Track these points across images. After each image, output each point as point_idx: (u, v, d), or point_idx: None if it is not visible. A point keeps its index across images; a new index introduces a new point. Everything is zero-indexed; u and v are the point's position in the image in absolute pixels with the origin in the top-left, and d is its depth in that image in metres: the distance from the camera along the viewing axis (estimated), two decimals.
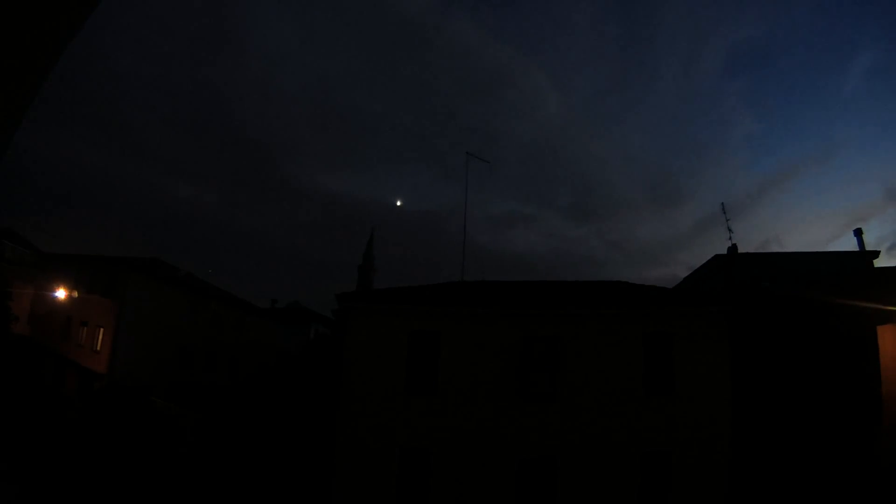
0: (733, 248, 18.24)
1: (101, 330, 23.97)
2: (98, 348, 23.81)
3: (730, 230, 19.35)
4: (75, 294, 23.39)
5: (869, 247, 16.17)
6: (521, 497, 12.86)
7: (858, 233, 16.43)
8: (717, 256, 17.39)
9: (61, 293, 23.01)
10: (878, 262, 15.89)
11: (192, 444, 17.85)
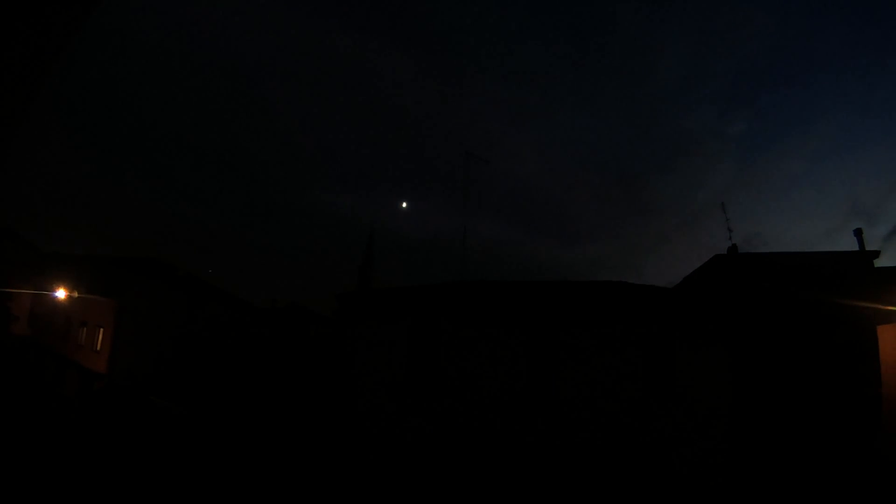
0: (733, 248, 18.22)
1: (101, 330, 23.99)
2: (98, 348, 23.83)
3: (729, 230, 19.36)
4: (75, 294, 23.37)
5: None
6: (521, 496, 12.87)
7: (858, 233, 16.41)
8: (717, 256, 17.37)
9: (61, 293, 23.01)
10: (878, 262, 15.88)
11: (193, 443, 17.85)
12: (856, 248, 15.90)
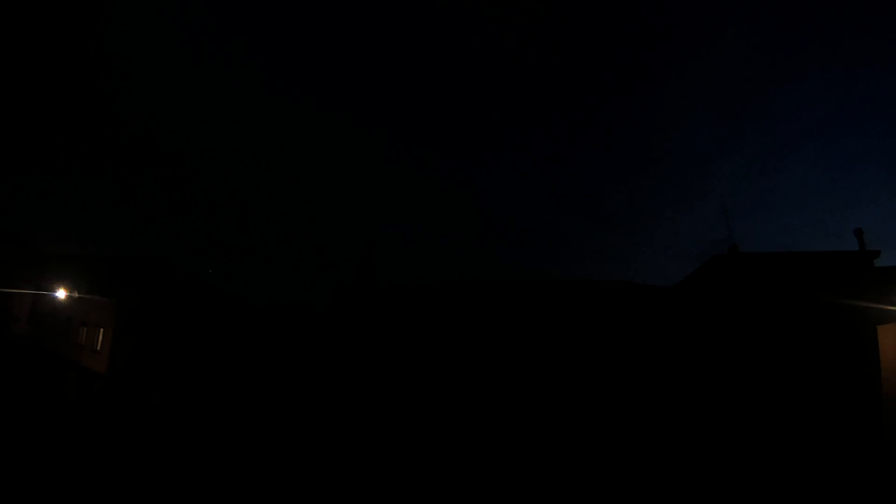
0: (733, 247, 18.22)
1: (101, 330, 24.01)
2: (98, 348, 23.84)
3: (730, 229, 19.38)
4: (75, 294, 23.42)
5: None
6: (519, 491, 12.88)
7: (858, 233, 16.40)
8: (716, 256, 17.37)
9: (61, 293, 23.05)
10: (878, 262, 15.87)
11: (193, 442, 17.87)
12: (855, 248, 15.89)
